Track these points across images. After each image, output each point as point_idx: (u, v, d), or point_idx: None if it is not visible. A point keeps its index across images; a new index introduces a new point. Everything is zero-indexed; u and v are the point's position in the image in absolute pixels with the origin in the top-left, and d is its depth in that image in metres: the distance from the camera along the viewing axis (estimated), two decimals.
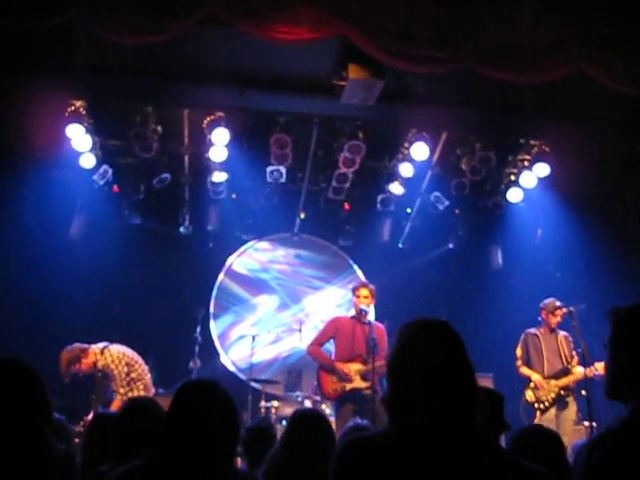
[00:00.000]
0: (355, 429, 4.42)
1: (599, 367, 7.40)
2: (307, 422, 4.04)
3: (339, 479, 2.16)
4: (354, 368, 7.82)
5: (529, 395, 8.17)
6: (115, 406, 7.35)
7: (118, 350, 7.75)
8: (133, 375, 7.72)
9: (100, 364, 7.62)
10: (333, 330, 8.21)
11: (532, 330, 8.47)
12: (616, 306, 2.44)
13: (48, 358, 7.60)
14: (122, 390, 7.59)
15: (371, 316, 8.50)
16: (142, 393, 7.74)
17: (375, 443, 2.17)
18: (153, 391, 8.06)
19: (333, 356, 8.10)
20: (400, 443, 2.10)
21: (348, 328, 8.06)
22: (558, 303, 8.27)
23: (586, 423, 7.67)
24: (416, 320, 2.33)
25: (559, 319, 8.31)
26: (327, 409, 8.51)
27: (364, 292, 8.09)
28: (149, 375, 7.98)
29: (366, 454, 2.13)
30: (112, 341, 7.90)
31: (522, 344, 8.47)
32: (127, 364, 7.69)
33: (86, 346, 7.68)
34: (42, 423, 2.43)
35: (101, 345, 7.75)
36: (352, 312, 8.33)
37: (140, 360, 7.92)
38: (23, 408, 2.42)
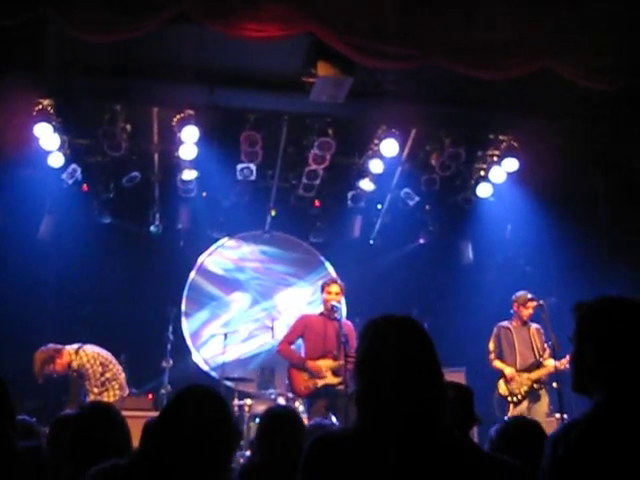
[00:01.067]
0: (317, 427, 4.45)
1: (563, 362, 7.50)
2: (279, 420, 4.06)
3: (307, 475, 2.17)
4: (325, 365, 7.83)
5: (502, 388, 8.22)
6: None
7: (92, 350, 7.73)
8: (108, 375, 7.70)
9: (75, 364, 7.59)
10: (302, 328, 8.20)
11: (504, 323, 8.52)
12: (580, 301, 2.47)
13: (17, 359, 7.55)
14: (96, 390, 7.57)
15: (343, 312, 8.51)
16: (117, 392, 7.73)
17: (344, 439, 2.19)
18: (127, 391, 8.04)
19: (303, 354, 8.10)
20: (369, 439, 2.12)
21: (318, 325, 8.06)
22: (530, 295, 8.33)
23: (557, 415, 7.74)
24: (383, 316, 2.33)
25: (531, 311, 8.36)
26: (300, 406, 8.51)
27: (335, 288, 8.06)
28: (123, 375, 7.95)
29: (335, 450, 2.14)
30: (83, 341, 7.87)
31: (494, 338, 8.52)
32: (102, 364, 7.68)
33: (60, 347, 7.63)
34: (5, 426, 2.40)
35: (75, 346, 7.72)
36: (321, 309, 8.32)
37: (114, 360, 7.90)
38: None
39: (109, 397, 7.60)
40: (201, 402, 2.66)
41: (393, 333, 2.25)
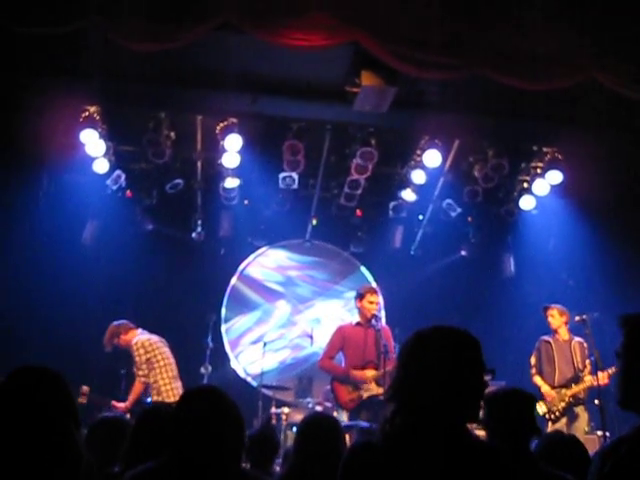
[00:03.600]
0: (360, 431, 4.43)
1: (602, 377, 7.37)
2: (316, 427, 4.03)
3: None
4: (369, 374, 7.77)
5: (540, 408, 8.11)
6: (137, 388, 7.94)
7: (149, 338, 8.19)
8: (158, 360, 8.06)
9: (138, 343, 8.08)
10: (340, 340, 8.13)
11: (545, 337, 8.48)
12: (627, 313, 2.41)
13: (59, 361, 7.63)
14: (141, 373, 7.94)
15: (382, 319, 8.49)
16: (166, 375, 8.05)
17: (383, 446, 2.17)
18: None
19: (343, 365, 8.06)
20: (408, 446, 2.10)
21: (357, 336, 8.00)
22: (551, 305, 8.44)
23: (599, 433, 7.61)
24: (437, 328, 2.31)
25: (550, 320, 8.42)
26: (339, 415, 8.48)
27: (376, 298, 8.05)
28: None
29: (373, 457, 2.12)
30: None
31: (536, 352, 8.48)
32: (147, 352, 8.02)
33: (132, 326, 8.22)
34: (71, 428, 2.46)
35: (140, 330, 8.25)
36: (357, 318, 8.26)
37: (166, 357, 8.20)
38: (58, 414, 2.45)
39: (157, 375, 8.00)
40: (203, 400, 2.82)
41: (451, 346, 2.23)
